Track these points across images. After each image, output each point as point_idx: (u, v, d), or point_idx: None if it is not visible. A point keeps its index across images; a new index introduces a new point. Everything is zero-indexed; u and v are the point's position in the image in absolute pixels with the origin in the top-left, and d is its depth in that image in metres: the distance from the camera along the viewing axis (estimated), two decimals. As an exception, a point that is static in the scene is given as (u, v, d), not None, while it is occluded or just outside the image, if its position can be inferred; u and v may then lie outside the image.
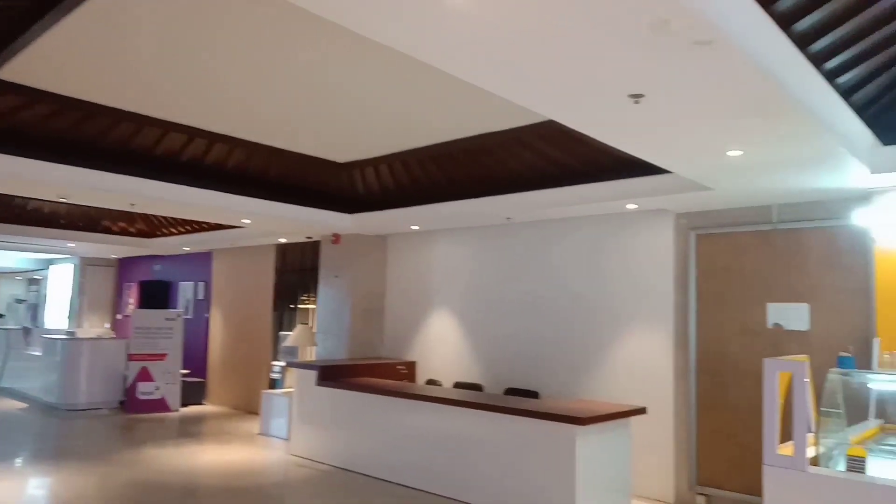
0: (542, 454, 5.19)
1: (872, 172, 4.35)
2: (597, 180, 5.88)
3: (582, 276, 6.69)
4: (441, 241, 8.15)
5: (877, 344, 4.75)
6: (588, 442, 5.11)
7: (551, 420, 5.14)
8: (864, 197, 4.94)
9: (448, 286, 7.99)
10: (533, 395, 6.66)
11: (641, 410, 5.58)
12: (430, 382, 7.65)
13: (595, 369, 6.47)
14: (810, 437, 3.07)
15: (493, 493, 5.45)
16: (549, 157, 6.07)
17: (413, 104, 5.43)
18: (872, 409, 4.51)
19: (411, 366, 8.12)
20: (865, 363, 4.75)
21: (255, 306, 10.44)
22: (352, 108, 5.58)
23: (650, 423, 5.87)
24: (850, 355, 3.32)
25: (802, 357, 3.32)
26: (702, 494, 5.68)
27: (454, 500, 5.67)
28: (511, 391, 6.83)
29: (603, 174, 5.81)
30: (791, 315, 5.37)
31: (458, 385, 7.33)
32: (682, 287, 6.02)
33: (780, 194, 5.20)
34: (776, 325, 5.44)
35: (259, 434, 8.47)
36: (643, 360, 6.14)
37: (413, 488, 6.00)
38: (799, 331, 5.33)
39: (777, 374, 2.86)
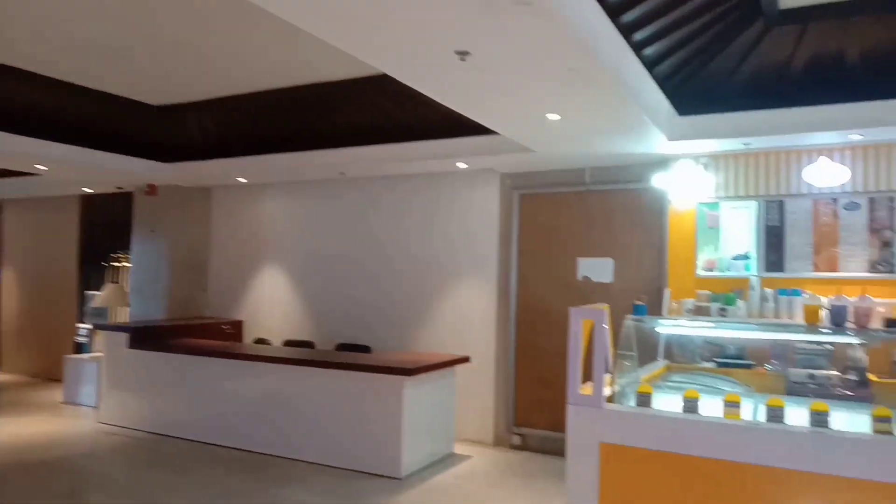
0: (372, 406, 5.28)
1: (670, 140, 4.83)
2: (429, 138, 5.94)
3: (413, 233, 6.78)
4: (271, 194, 7.81)
5: (667, 294, 5.37)
6: (415, 392, 5.27)
7: (380, 373, 5.22)
8: (662, 162, 5.49)
9: (278, 242, 7.71)
10: (364, 349, 6.71)
11: (465, 359, 5.86)
12: (259, 341, 7.40)
13: (424, 322, 6.65)
14: (608, 377, 3.40)
15: (325, 448, 5.45)
16: (383, 112, 6.00)
17: (238, 45, 5.06)
18: (661, 351, 5.13)
19: (238, 325, 7.79)
20: (658, 311, 5.36)
21: (56, 264, 9.35)
22: (167, 44, 5.07)
23: (474, 371, 6.19)
24: (643, 304, 3.71)
25: (603, 306, 3.64)
26: (517, 434, 6.14)
27: (286, 458, 5.59)
28: (343, 347, 6.82)
29: (435, 132, 5.87)
30: (598, 269, 5.88)
31: (288, 343, 7.17)
32: (505, 243, 6.33)
33: (592, 158, 5.61)
34: (585, 277, 5.94)
35: (63, 403, 7.70)
36: (469, 313, 6.42)
37: (242, 450, 5.82)
38: (604, 283, 5.87)
39: (581, 322, 3.12)
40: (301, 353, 6.08)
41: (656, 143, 4.93)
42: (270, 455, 5.67)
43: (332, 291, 7.24)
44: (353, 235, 7.15)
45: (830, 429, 2.72)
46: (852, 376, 4.38)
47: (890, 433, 2.68)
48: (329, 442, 5.44)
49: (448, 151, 5.88)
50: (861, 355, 4.44)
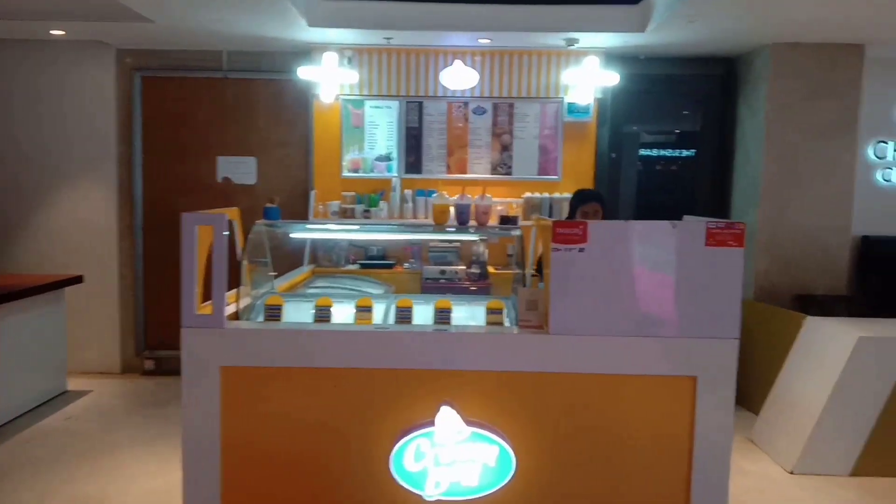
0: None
1: (310, 25, 4.38)
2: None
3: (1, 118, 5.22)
4: None
5: (313, 196, 5.10)
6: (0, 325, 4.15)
7: (-58, 305, 3.95)
8: (306, 53, 5.05)
9: None
10: (-70, 274, 5.09)
11: (77, 279, 4.83)
12: None
13: (18, 236, 5.27)
14: (233, 293, 2.98)
15: None
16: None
17: None
18: (307, 256, 4.90)
19: None
20: (305, 214, 5.09)
21: None
22: None
23: (92, 292, 5.19)
24: (275, 206, 3.33)
25: (231, 210, 3.16)
26: (150, 358, 5.40)
27: None
28: None
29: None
30: (240, 169, 5.31)
31: None
32: (126, 137, 5.28)
33: (230, 39, 4.89)
34: (226, 178, 5.33)
35: None
36: (81, 222, 5.27)
37: None
38: (247, 185, 5.34)
39: (196, 230, 2.59)
40: None
41: (297, 27, 4.44)
42: None
43: None
44: None
45: (451, 325, 2.76)
46: (476, 269, 4.77)
47: (501, 323, 2.83)
48: None
49: (32, 11, 4.49)
50: (483, 250, 4.84)
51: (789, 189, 4.77)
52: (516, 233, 3.19)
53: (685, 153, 5.63)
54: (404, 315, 2.82)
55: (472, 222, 3.21)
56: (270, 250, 3.53)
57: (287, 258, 4.72)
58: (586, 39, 4.68)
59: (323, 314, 2.84)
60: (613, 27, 4.40)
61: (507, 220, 3.25)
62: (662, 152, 5.62)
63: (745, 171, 5.03)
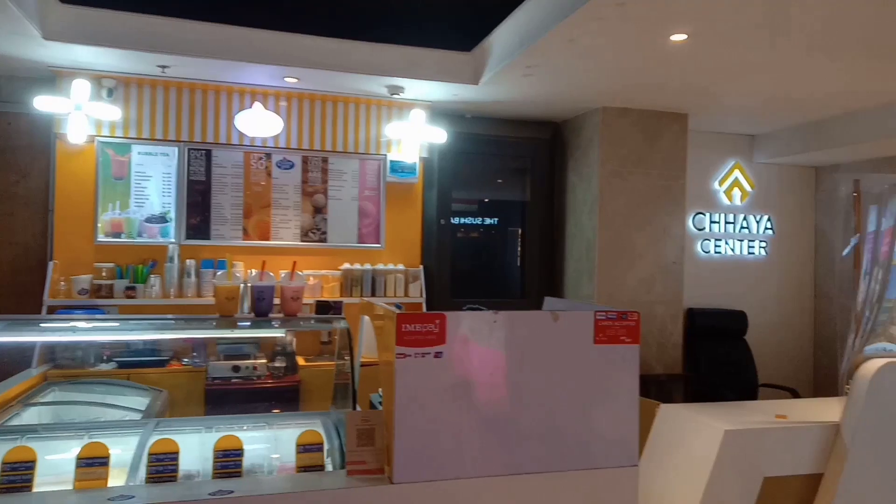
0: None
1: (46, 37, 3.19)
2: None
3: None
4: None
5: (51, 268, 3.76)
6: None
7: None
8: (49, 80, 3.80)
9: None
10: None
11: None
12: None
13: None
14: None
15: None
16: None
17: None
18: (37, 354, 3.52)
19: None
20: (40, 293, 3.72)
21: None
22: None
23: None
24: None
25: None
26: None
27: None
28: None
29: None
30: (-63, 230, 3.80)
31: None
32: None
33: (-75, 51, 3.49)
34: (-88, 244, 3.77)
35: None
36: None
37: None
38: (-52, 253, 3.83)
39: None
40: None
41: (28, 40, 3.23)
42: None
43: None
44: None
45: (240, 478, 1.78)
46: (280, 363, 3.77)
47: (320, 467, 1.90)
48: None
49: None
50: (290, 339, 3.86)
51: (624, 260, 4.48)
52: (341, 325, 2.31)
53: (512, 221, 5.11)
54: (162, 467, 1.77)
55: (277, 314, 2.28)
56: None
57: (9, 357, 3.33)
58: (412, 89, 4.05)
59: (17, 478, 1.68)
60: (444, 76, 3.83)
61: (326, 307, 2.36)
62: (487, 220, 5.08)
63: (577, 241, 4.68)
